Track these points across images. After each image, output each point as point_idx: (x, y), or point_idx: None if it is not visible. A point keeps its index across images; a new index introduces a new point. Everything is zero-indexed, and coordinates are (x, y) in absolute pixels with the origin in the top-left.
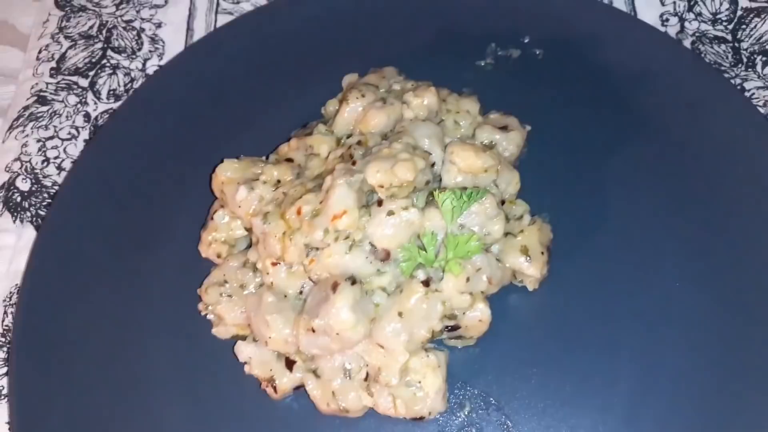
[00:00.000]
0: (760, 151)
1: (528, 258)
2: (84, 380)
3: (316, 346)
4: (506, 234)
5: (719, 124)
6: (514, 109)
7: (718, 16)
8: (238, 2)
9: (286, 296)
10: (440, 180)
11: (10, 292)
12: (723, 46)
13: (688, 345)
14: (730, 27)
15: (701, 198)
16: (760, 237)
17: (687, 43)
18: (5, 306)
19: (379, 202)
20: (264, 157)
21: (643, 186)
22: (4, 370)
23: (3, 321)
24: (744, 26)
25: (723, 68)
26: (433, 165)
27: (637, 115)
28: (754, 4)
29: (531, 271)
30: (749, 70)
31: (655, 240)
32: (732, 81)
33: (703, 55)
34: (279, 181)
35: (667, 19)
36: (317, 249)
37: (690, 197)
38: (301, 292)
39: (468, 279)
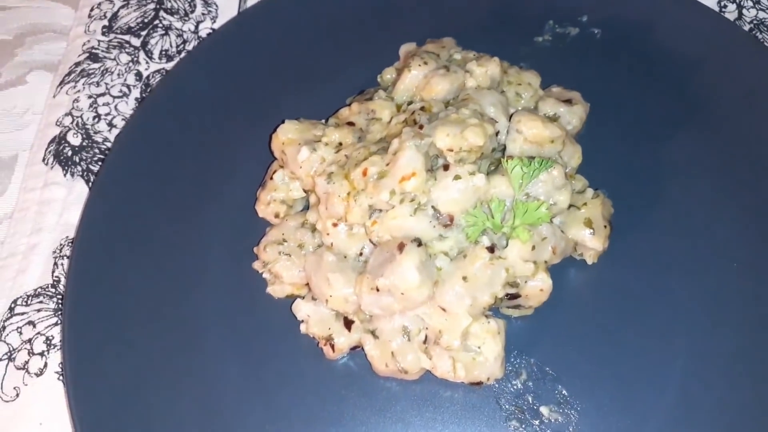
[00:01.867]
0: None
1: (591, 230)
2: (136, 334)
3: (378, 306)
4: (569, 206)
5: None
6: (570, 86)
7: None
8: None
9: (346, 257)
10: (504, 149)
11: (60, 244)
12: None
13: (746, 325)
14: None
15: (759, 182)
16: None
17: (745, 25)
18: (55, 257)
19: (446, 167)
20: (323, 121)
21: (699, 167)
22: (55, 320)
23: (53, 272)
24: None
25: None
26: (497, 134)
27: (693, 97)
28: None
29: (593, 243)
30: None
31: (712, 219)
32: None
33: (761, 41)
34: (340, 144)
35: (725, 6)
36: (381, 211)
37: (748, 180)
38: (361, 254)
39: (533, 247)
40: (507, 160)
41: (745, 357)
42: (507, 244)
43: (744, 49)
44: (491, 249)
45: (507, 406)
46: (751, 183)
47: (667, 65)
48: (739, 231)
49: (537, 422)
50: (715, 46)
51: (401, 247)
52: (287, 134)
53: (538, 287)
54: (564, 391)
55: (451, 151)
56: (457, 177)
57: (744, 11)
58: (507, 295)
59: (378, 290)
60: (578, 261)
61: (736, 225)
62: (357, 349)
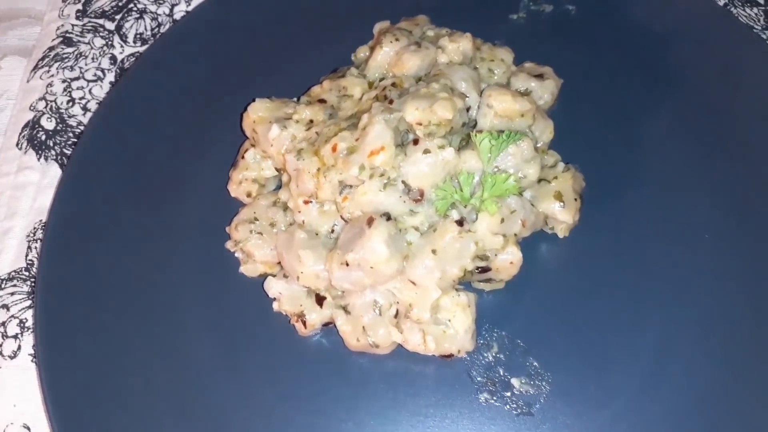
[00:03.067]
0: None
1: (561, 203)
2: (109, 315)
3: (348, 281)
4: (540, 180)
5: (751, 80)
6: (545, 63)
7: None
8: None
9: (317, 234)
10: (475, 124)
11: (34, 228)
12: (755, 9)
13: (716, 294)
14: None
15: (731, 152)
16: None
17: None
18: (29, 241)
19: (415, 141)
20: (295, 99)
21: (672, 140)
22: (28, 303)
23: (27, 255)
24: None
25: (755, 31)
26: (468, 109)
27: (667, 71)
28: None
29: (564, 216)
30: None
31: (685, 192)
32: None
33: (735, 16)
34: (311, 121)
35: None
36: (351, 186)
37: (720, 151)
38: (332, 231)
39: (502, 220)
40: (476, 134)
41: (717, 328)
42: (477, 218)
43: (718, 24)
44: (460, 222)
45: (479, 379)
46: (722, 156)
47: (641, 41)
48: (710, 202)
49: (508, 394)
50: (688, 21)
51: (370, 221)
52: (258, 112)
53: (508, 260)
54: (535, 363)
55: (421, 125)
56: (426, 151)
57: None
58: (478, 268)
59: (348, 265)
60: (550, 235)
61: (708, 197)
62: (329, 326)
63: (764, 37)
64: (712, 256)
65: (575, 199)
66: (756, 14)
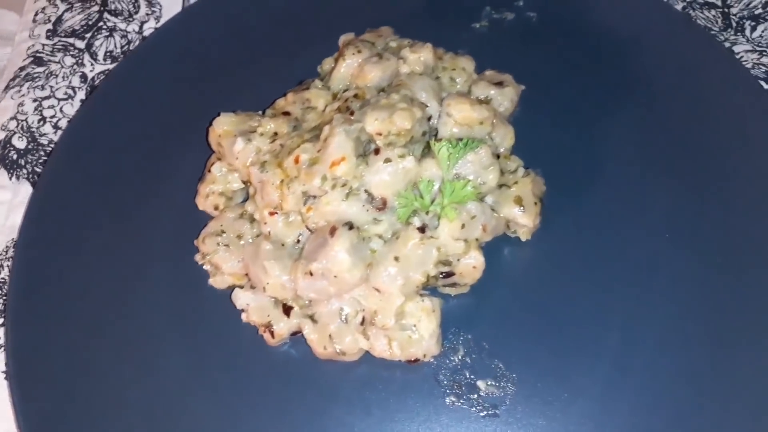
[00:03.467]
0: (750, 109)
1: (522, 208)
2: (80, 331)
3: (313, 290)
4: (501, 186)
5: (709, 83)
6: (508, 70)
7: None
8: None
9: (283, 245)
10: (436, 133)
11: (6, 247)
12: (713, 11)
13: (677, 293)
14: None
15: (690, 154)
16: (747, 191)
17: (678, 6)
18: (1, 260)
19: (376, 151)
20: (260, 113)
21: (633, 143)
22: (0, 320)
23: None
24: None
25: (713, 32)
26: (429, 119)
27: (628, 76)
28: None
29: (524, 220)
30: (738, 34)
31: (645, 194)
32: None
33: (694, 19)
34: (276, 134)
35: None
36: (315, 197)
37: (679, 153)
38: (298, 241)
39: (463, 225)
40: (434, 143)
41: (678, 328)
42: (438, 224)
43: (677, 29)
44: (422, 229)
45: (445, 382)
46: (681, 158)
47: (601, 46)
48: (669, 203)
49: (474, 396)
50: (648, 27)
51: (333, 231)
52: (223, 126)
53: (470, 264)
54: (500, 365)
55: (380, 135)
56: (387, 160)
57: None
58: (442, 273)
59: (312, 274)
60: (513, 239)
61: (667, 197)
62: (297, 335)
63: (722, 38)
64: (673, 255)
65: (535, 203)
66: (714, 16)
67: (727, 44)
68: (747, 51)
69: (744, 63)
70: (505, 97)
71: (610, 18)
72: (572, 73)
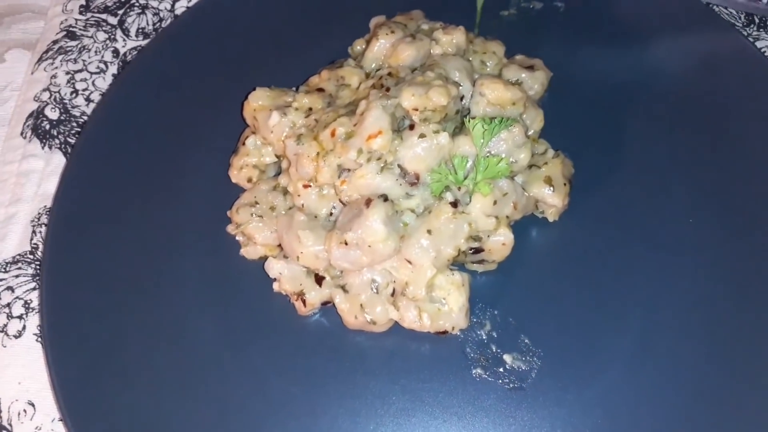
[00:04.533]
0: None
1: (551, 188)
2: (113, 297)
3: (347, 260)
4: (531, 166)
5: (731, 73)
6: (534, 56)
7: None
8: None
9: (316, 217)
10: (468, 112)
11: (39, 213)
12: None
13: (700, 276)
14: None
15: (714, 141)
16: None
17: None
18: (33, 226)
19: (411, 126)
20: (294, 89)
21: (657, 130)
22: (33, 285)
23: (31, 240)
24: None
25: (736, 28)
26: (461, 98)
27: (654, 68)
28: None
29: (553, 200)
30: (761, 30)
31: (670, 179)
32: None
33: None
34: (310, 109)
35: None
36: (349, 170)
37: (703, 140)
38: (331, 214)
39: (495, 202)
40: (470, 120)
41: (700, 306)
42: (470, 201)
43: (700, 20)
44: (454, 204)
45: (472, 355)
46: (705, 144)
47: (626, 35)
48: (693, 188)
49: (501, 369)
50: (672, 18)
51: (368, 202)
52: (258, 101)
53: (500, 242)
54: (527, 340)
55: (417, 110)
56: (422, 135)
57: None
58: (471, 249)
59: (346, 244)
60: (541, 219)
61: (691, 183)
62: (328, 305)
63: (745, 33)
64: (696, 239)
65: (564, 184)
66: (737, 12)
67: (749, 39)
68: None
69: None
70: (536, 80)
71: (635, 9)
72: (598, 62)
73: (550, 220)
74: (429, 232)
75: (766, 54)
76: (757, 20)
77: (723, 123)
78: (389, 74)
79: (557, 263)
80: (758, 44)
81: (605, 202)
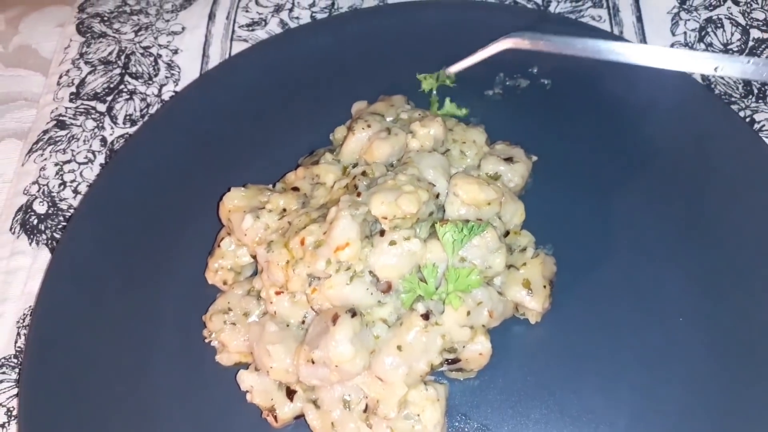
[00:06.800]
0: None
1: (530, 291)
2: (91, 402)
3: (315, 377)
4: (509, 267)
5: (726, 158)
6: (521, 139)
7: (730, 47)
8: (253, 30)
9: (288, 325)
10: (444, 211)
11: (24, 314)
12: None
13: (689, 383)
14: None
15: (706, 232)
16: (766, 272)
17: (697, 74)
18: (18, 327)
19: (382, 233)
20: (272, 185)
21: (648, 220)
22: (16, 391)
23: (16, 342)
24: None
25: (734, 99)
26: (437, 196)
27: (644, 148)
28: (766, 35)
29: (532, 304)
30: (760, 101)
31: (659, 275)
32: (743, 112)
33: (713, 86)
34: (284, 210)
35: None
36: (319, 279)
37: (695, 232)
38: (303, 322)
39: (468, 312)
40: (439, 226)
41: (689, 416)
42: (444, 309)
43: (693, 99)
44: (426, 316)
45: None
46: (696, 237)
47: (616, 114)
48: (684, 284)
49: None
50: (664, 96)
51: (335, 318)
52: (233, 201)
53: (477, 351)
54: None
55: (386, 218)
56: (392, 243)
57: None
58: (447, 360)
59: (314, 362)
60: (523, 320)
61: (682, 278)
62: (302, 419)
63: (743, 105)
64: (686, 342)
65: (544, 286)
66: (735, 82)
67: (747, 112)
68: None
69: (766, 132)
70: (516, 173)
71: (625, 86)
72: (585, 142)
73: (532, 321)
74: (399, 348)
75: (764, 127)
76: (755, 90)
77: (717, 212)
78: (363, 173)
79: (539, 369)
80: (757, 116)
81: (591, 300)
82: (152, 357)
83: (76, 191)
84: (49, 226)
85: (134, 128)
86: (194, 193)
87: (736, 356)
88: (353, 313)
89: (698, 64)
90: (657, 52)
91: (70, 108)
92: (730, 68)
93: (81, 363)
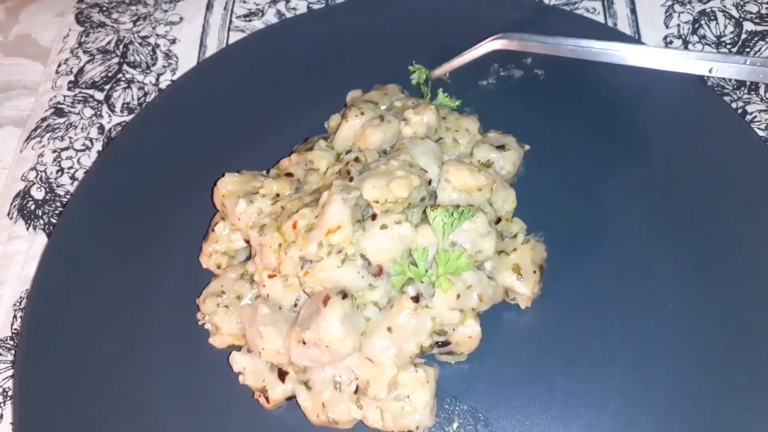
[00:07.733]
0: (757, 175)
1: (519, 276)
2: (86, 384)
3: (306, 358)
4: (500, 252)
5: (718, 148)
6: (514, 128)
7: (723, 39)
8: (250, 20)
9: (280, 308)
10: (436, 197)
11: (21, 297)
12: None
13: (678, 366)
14: (735, 50)
15: (696, 220)
16: (754, 261)
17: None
18: (15, 310)
19: (373, 216)
20: (266, 171)
21: (638, 207)
22: (12, 372)
23: (12, 324)
24: (748, 49)
25: (726, 91)
26: (429, 182)
27: (635, 137)
28: (759, 27)
29: (522, 289)
30: (752, 93)
31: (649, 261)
32: (734, 104)
33: (706, 78)
34: (278, 195)
35: (671, 42)
36: (311, 262)
37: (685, 219)
38: (295, 305)
39: (458, 295)
40: (430, 211)
41: (679, 399)
42: (434, 293)
43: (686, 91)
44: (416, 299)
45: None
46: (686, 225)
47: (608, 105)
48: (674, 272)
49: None
50: (656, 88)
51: (326, 300)
52: (227, 186)
53: (467, 334)
54: None
55: (377, 202)
56: (383, 226)
57: (690, 46)
58: (437, 342)
59: (305, 343)
60: (513, 305)
61: (671, 265)
62: (293, 400)
63: (735, 97)
64: (675, 327)
65: (534, 272)
66: None
67: (740, 103)
68: (761, 111)
69: (756, 123)
70: (507, 160)
71: (618, 76)
72: (577, 132)
73: (522, 306)
74: (389, 329)
75: (756, 119)
76: (747, 83)
77: (708, 201)
78: (356, 159)
79: (529, 353)
80: (749, 108)
81: (581, 286)
82: (146, 339)
83: (73, 178)
84: (47, 211)
85: (132, 116)
86: (189, 179)
87: (723, 341)
88: (344, 295)
89: (693, 65)
90: (651, 53)
91: (68, 96)
92: (726, 70)
93: (76, 345)
